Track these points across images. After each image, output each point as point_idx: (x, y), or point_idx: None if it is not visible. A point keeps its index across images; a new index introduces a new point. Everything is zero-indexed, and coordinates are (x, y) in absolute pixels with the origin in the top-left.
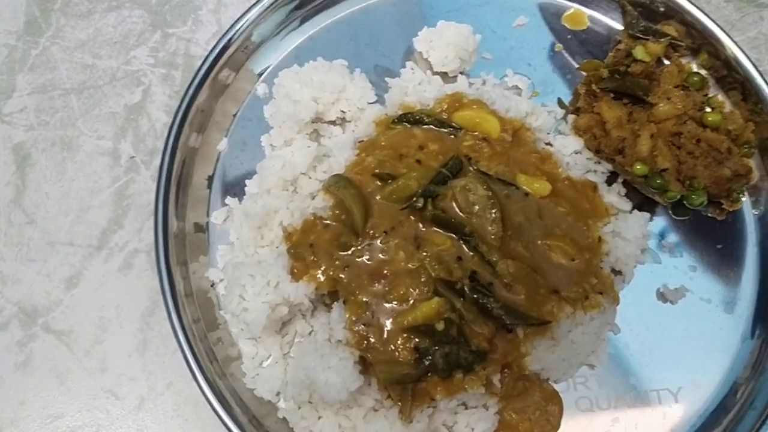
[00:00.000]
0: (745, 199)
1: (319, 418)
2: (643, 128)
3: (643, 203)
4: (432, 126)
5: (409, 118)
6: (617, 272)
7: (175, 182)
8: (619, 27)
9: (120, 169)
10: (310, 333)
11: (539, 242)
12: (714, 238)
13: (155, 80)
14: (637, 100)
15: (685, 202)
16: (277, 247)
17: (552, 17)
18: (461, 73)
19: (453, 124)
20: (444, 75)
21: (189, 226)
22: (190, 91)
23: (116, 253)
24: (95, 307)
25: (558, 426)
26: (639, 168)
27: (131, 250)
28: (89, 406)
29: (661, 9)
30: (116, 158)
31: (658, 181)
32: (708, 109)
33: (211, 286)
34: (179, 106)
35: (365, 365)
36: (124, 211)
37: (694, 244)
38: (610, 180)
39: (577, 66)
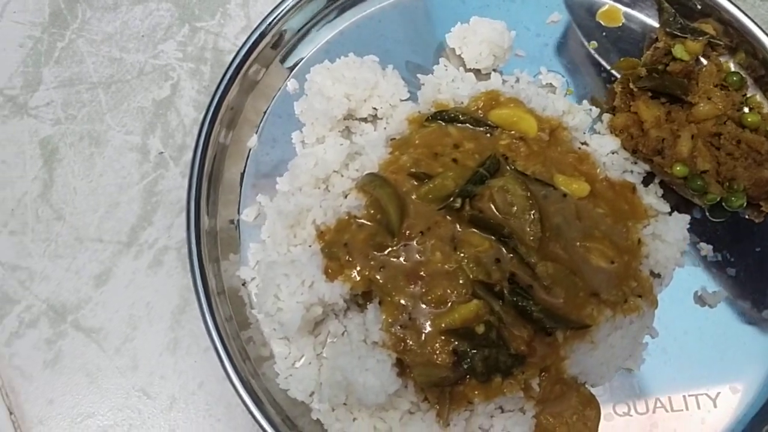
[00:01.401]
0: None
1: (354, 420)
2: (682, 129)
3: (680, 204)
4: (468, 124)
5: (444, 116)
6: (656, 275)
7: (207, 179)
8: (655, 25)
9: (149, 165)
10: (343, 333)
11: (578, 244)
12: (752, 240)
13: (183, 75)
14: (674, 99)
15: (724, 204)
16: (310, 246)
17: (586, 14)
18: (494, 70)
19: (489, 122)
20: (477, 72)
21: (220, 223)
22: (221, 88)
23: (146, 250)
24: (125, 305)
25: (596, 431)
26: (679, 169)
27: (161, 247)
28: (120, 405)
29: (698, 7)
30: (145, 154)
31: (698, 183)
32: (746, 110)
33: (243, 284)
34: (210, 103)
35: (402, 367)
36: (153, 207)
37: (731, 246)
38: (647, 181)
39: (611, 64)
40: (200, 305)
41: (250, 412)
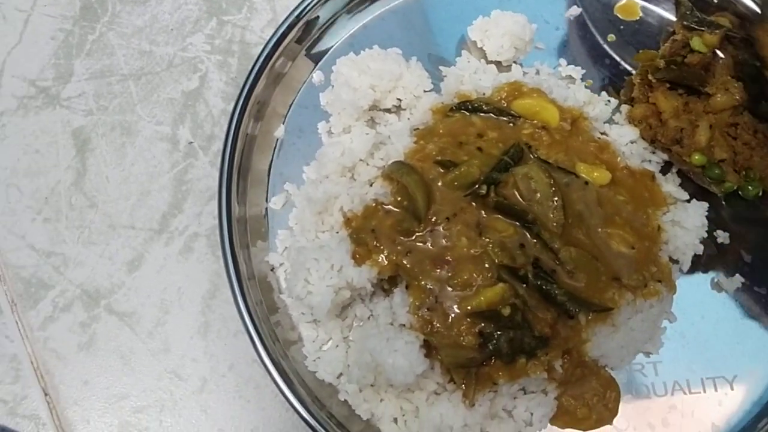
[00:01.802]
0: None
1: (381, 400)
2: (700, 119)
3: (697, 193)
4: (491, 114)
5: (468, 106)
6: (675, 261)
7: (236, 169)
8: (672, 18)
9: (179, 155)
10: (369, 317)
11: (599, 230)
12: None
13: (212, 67)
14: (692, 90)
15: (740, 192)
16: (338, 232)
17: (604, 8)
18: (515, 62)
19: (512, 112)
20: (498, 64)
21: (249, 211)
22: (249, 81)
23: (176, 237)
24: (157, 290)
25: (616, 412)
26: (698, 158)
27: (191, 234)
28: (153, 386)
29: (715, 1)
30: (175, 143)
31: (716, 172)
32: (763, 101)
33: (271, 270)
34: (238, 96)
35: (428, 349)
36: (183, 195)
37: (748, 234)
38: (665, 170)
39: (628, 57)
40: (232, 289)
41: (282, 392)
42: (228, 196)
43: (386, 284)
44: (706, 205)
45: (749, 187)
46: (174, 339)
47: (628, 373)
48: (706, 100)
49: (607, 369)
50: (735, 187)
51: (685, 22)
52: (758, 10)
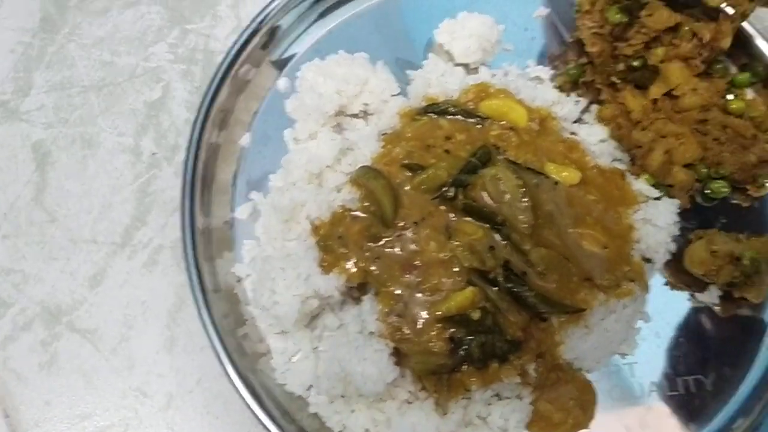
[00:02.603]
0: None
1: (352, 411)
2: (658, 142)
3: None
4: (459, 116)
5: (435, 109)
6: (647, 260)
7: (200, 179)
8: None
9: (142, 166)
10: (339, 327)
11: (570, 230)
12: (740, 224)
13: (175, 76)
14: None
15: (707, 192)
16: (305, 241)
17: (571, 8)
18: (483, 64)
19: (479, 114)
20: (465, 66)
21: (214, 222)
22: (212, 89)
23: (140, 250)
24: (120, 305)
25: (592, 416)
26: (647, 179)
27: (155, 247)
28: (117, 405)
29: None
30: (138, 155)
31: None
32: (731, 97)
33: (238, 281)
34: (201, 104)
35: (399, 357)
36: (147, 207)
37: (721, 231)
38: None
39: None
40: (196, 303)
41: (249, 408)
42: (191, 206)
43: (356, 292)
44: (677, 202)
45: (719, 183)
46: (138, 355)
47: (603, 376)
48: (676, 98)
49: (582, 372)
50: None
51: None
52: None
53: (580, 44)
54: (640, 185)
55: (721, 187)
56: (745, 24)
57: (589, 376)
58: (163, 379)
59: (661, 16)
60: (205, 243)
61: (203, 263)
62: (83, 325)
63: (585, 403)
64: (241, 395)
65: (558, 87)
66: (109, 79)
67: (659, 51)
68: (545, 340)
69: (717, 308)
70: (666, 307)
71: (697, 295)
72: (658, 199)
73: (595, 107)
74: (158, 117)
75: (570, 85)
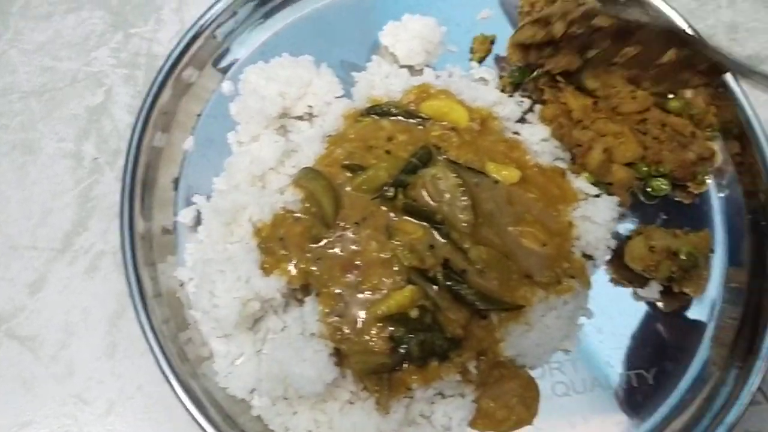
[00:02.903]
0: (710, 181)
1: (294, 413)
2: (597, 141)
3: None
4: (400, 117)
5: (377, 110)
6: (588, 257)
7: (141, 183)
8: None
9: (83, 171)
10: (282, 329)
11: (510, 228)
12: (681, 221)
13: (117, 81)
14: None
15: (649, 190)
16: (247, 243)
17: (514, 10)
18: (427, 65)
19: (421, 114)
20: (410, 68)
21: (156, 226)
22: (153, 91)
23: (81, 256)
24: (61, 311)
25: (536, 412)
26: (586, 177)
27: (97, 252)
28: (57, 412)
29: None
30: (79, 160)
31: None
32: (670, 95)
33: (180, 285)
34: (142, 106)
35: (340, 357)
36: (88, 213)
37: (662, 227)
38: None
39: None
40: (136, 309)
41: (190, 413)
42: (130, 211)
43: (300, 294)
44: (616, 199)
45: (659, 181)
46: (79, 362)
47: (546, 372)
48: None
49: (525, 368)
50: (668, 190)
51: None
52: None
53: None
54: (580, 183)
55: (661, 185)
56: (685, 25)
57: (532, 373)
58: (104, 386)
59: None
60: (146, 248)
61: (144, 268)
62: (23, 332)
63: (528, 399)
64: (181, 400)
65: (501, 88)
66: (50, 84)
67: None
68: (486, 337)
69: (659, 303)
70: (609, 303)
71: (639, 290)
72: (597, 196)
73: (539, 107)
74: (100, 122)
75: (513, 86)
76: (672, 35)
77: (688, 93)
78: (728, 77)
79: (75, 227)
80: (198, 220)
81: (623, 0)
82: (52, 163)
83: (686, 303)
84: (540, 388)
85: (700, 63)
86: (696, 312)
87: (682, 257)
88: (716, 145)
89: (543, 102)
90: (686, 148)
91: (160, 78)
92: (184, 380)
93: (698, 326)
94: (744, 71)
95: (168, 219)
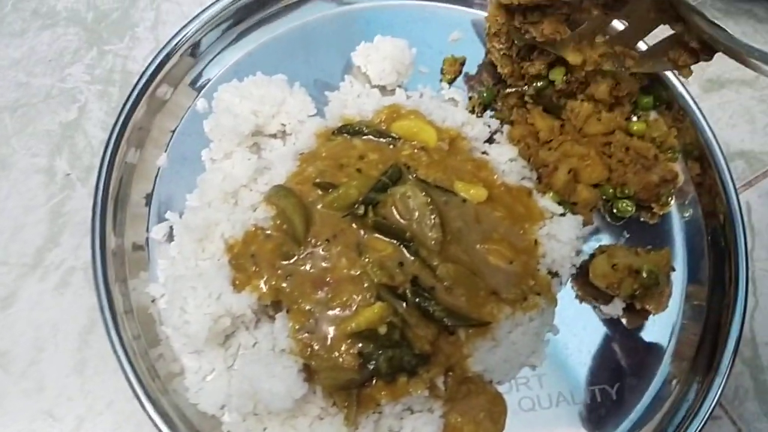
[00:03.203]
0: (673, 202)
1: (265, 429)
2: (563, 161)
3: None
4: (371, 136)
5: (349, 129)
6: (554, 274)
7: (113, 198)
8: None
9: (55, 187)
10: (254, 345)
11: (478, 246)
12: (644, 239)
13: (91, 97)
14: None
15: (615, 211)
16: (219, 260)
17: (484, 33)
18: (399, 86)
19: (391, 134)
20: (382, 88)
21: (128, 242)
22: (127, 107)
23: (52, 272)
24: (31, 327)
25: (503, 427)
26: (552, 196)
27: (68, 268)
28: (26, 428)
29: None
30: (51, 176)
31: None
32: (634, 118)
33: (152, 301)
34: (116, 122)
35: (309, 373)
36: (60, 228)
37: (625, 245)
38: None
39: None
40: (106, 325)
41: (159, 430)
42: (102, 227)
43: (272, 310)
44: (580, 218)
45: (624, 203)
46: (49, 378)
47: (513, 387)
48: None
49: (492, 384)
50: (632, 211)
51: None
52: None
53: (493, 66)
54: (546, 202)
55: (627, 206)
56: (643, 48)
57: (500, 388)
58: (73, 402)
59: (576, 58)
60: (117, 264)
61: (115, 284)
62: None
63: (495, 414)
64: (151, 417)
65: (470, 109)
66: (24, 100)
67: (559, 73)
68: (454, 353)
69: (623, 320)
70: (574, 320)
71: (603, 307)
72: (562, 215)
73: (507, 128)
74: (73, 138)
75: (482, 106)
76: (665, 8)
77: (652, 115)
78: (688, 100)
79: (46, 243)
80: (171, 237)
81: None
82: (25, 179)
83: (649, 320)
84: (507, 403)
85: (691, 40)
86: (658, 329)
87: (644, 275)
88: (678, 167)
89: (511, 123)
90: (650, 170)
91: (134, 94)
92: (154, 397)
93: (660, 342)
94: (741, 49)
95: (140, 235)
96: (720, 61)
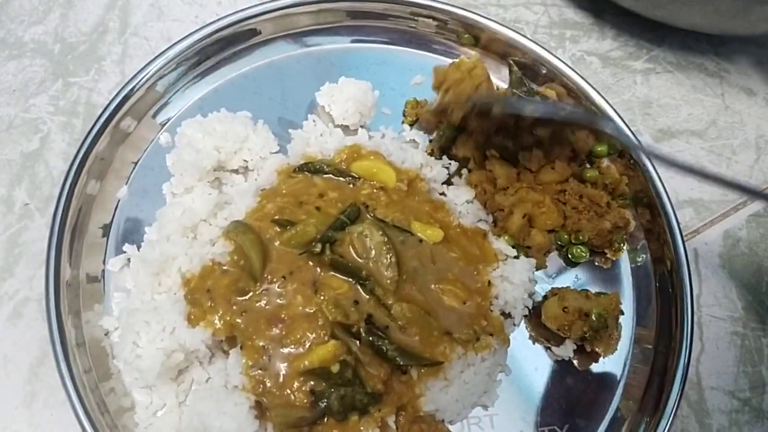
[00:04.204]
0: (626, 247)
1: None
2: (518, 206)
3: None
4: (332, 175)
5: (310, 168)
6: (507, 315)
7: (70, 229)
8: (506, 87)
9: (13, 217)
10: (207, 380)
11: (433, 286)
12: (595, 283)
13: (54, 128)
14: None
15: (569, 257)
16: (175, 294)
17: None
18: (362, 126)
19: (352, 173)
20: (345, 128)
21: (83, 274)
22: (90, 138)
23: (5, 302)
24: None
25: None
26: (507, 239)
27: (21, 299)
28: None
29: (543, 71)
30: (10, 205)
31: (579, 251)
32: (587, 165)
33: (105, 335)
34: (77, 152)
35: (261, 410)
36: (15, 258)
37: (576, 289)
38: None
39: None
40: (56, 358)
41: None
42: (57, 258)
43: (226, 346)
44: (533, 261)
45: (579, 248)
46: None
47: (465, 427)
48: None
49: (444, 423)
50: (586, 256)
51: (514, 90)
52: (582, 83)
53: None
54: (500, 245)
55: (581, 252)
56: (597, 98)
57: (452, 428)
58: None
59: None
60: (71, 295)
61: (68, 316)
62: None
63: None
64: None
65: (430, 151)
66: None
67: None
68: (406, 392)
69: (574, 361)
70: (526, 361)
71: (555, 348)
72: (516, 258)
73: (465, 171)
74: (34, 168)
75: (441, 149)
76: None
77: (605, 162)
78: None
79: (1, 273)
80: (127, 269)
81: (521, 93)
82: None
83: (598, 361)
84: None
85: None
86: (607, 370)
87: (593, 318)
88: (629, 214)
89: (469, 169)
90: (602, 217)
91: (97, 126)
92: None
93: (609, 384)
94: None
95: (96, 267)
96: (671, 112)
